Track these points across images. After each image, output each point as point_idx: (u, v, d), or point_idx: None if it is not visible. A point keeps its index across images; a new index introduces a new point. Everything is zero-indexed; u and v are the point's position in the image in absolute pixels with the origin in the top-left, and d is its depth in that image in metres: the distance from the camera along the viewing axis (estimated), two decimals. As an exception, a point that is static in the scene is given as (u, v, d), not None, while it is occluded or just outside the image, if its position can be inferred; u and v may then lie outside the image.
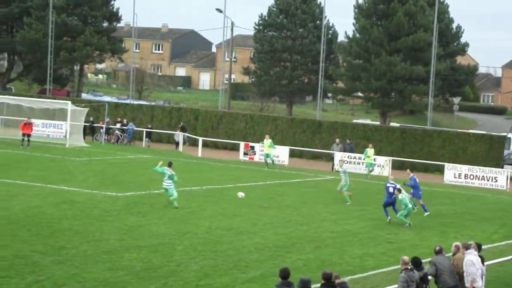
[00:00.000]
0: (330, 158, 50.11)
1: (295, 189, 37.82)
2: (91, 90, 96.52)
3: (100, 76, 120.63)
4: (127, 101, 72.52)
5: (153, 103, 76.27)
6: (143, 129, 57.54)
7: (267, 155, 47.17)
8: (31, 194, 29.83)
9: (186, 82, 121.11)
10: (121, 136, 57.34)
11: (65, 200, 28.97)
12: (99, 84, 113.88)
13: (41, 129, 56.07)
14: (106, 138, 56.66)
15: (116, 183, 34.77)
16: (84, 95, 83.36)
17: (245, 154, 51.53)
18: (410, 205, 28.31)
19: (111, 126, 57.65)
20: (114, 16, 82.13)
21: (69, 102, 54.40)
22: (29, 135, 49.01)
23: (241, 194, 31.49)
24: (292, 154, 51.55)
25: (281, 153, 49.84)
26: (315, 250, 23.36)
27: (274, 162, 47.24)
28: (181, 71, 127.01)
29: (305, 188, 38.32)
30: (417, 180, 32.71)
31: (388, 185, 29.37)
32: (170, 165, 29.66)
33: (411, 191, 31.67)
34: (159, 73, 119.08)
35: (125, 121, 58.32)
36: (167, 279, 18.85)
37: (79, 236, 22.72)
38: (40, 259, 19.76)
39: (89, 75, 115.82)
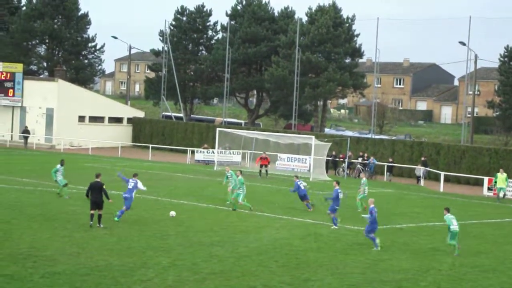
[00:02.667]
0: None
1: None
2: (334, 125, 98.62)
3: (342, 111, 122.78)
4: (369, 136, 73.27)
5: (394, 138, 76.42)
6: (384, 163, 57.91)
7: (500, 189, 46.70)
8: (278, 226, 31.16)
9: (427, 116, 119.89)
10: (362, 170, 58.07)
11: (310, 232, 29.95)
12: (341, 119, 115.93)
13: (286, 163, 58.23)
14: (348, 172, 57.66)
15: (359, 217, 35.33)
16: (327, 130, 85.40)
17: (489, 189, 50.28)
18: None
19: (353, 160, 58.60)
20: (357, 52, 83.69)
21: (313, 137, 56.11)
22: (266, 165, 51.72)
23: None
24: (540, 190, 49.54)
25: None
26: None
27: (500, 197, 46.70)
28: (422, 105, 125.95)
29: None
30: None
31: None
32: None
33: None
34: (400, 108, 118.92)
35: (366, 155, 59.06)
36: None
37: (324, 269, 23.34)
38: (288, 289, 20.67)
39: (331, 110, 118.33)
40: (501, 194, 46.87)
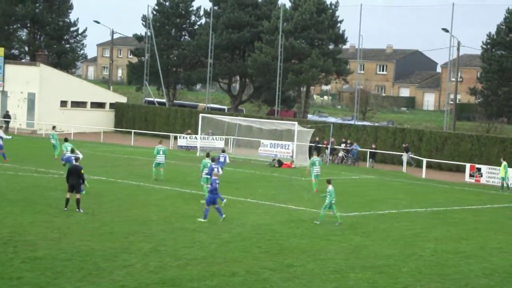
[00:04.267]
0: None
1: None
2: (317, 111, 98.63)
3: (325, 97, 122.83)
4: (352, 122, 73.36)
5: (377, 124, 76.56)
6: (367, 150, 58.02)
7: (503, 178, 45.98)
8: (261, 212, 31.16)
9: (410, 102, 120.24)
10: (345, 156, 58.19)
11: (293, 218, 30.00)
12: (324, 105, 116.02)
13: (269, 149, 58.18)
14: (331, 158, 57.76)
15: (341, 203, 35.34)
16: (310, 116, 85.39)
17: (471, 176, 50.50)
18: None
19: (335, 147, 58.67)
20: (340, 39, 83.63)
21: (296, 123, 56.11)
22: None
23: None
24: (522, 177, 49.72)
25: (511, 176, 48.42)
26: (545, 278, 22.50)
27: (505, 186, 46.25)
28: (405, 92, 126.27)
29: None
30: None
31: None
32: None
33: None
34: (383, 94, 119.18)
35: (349, 141, 59.14)
36: (392, 300, 19.03)
37: (306, 255, 23.37)
38: (270, 275, 20.50)
39: (314, 96, 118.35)
40: (504, 184, 45.69)
